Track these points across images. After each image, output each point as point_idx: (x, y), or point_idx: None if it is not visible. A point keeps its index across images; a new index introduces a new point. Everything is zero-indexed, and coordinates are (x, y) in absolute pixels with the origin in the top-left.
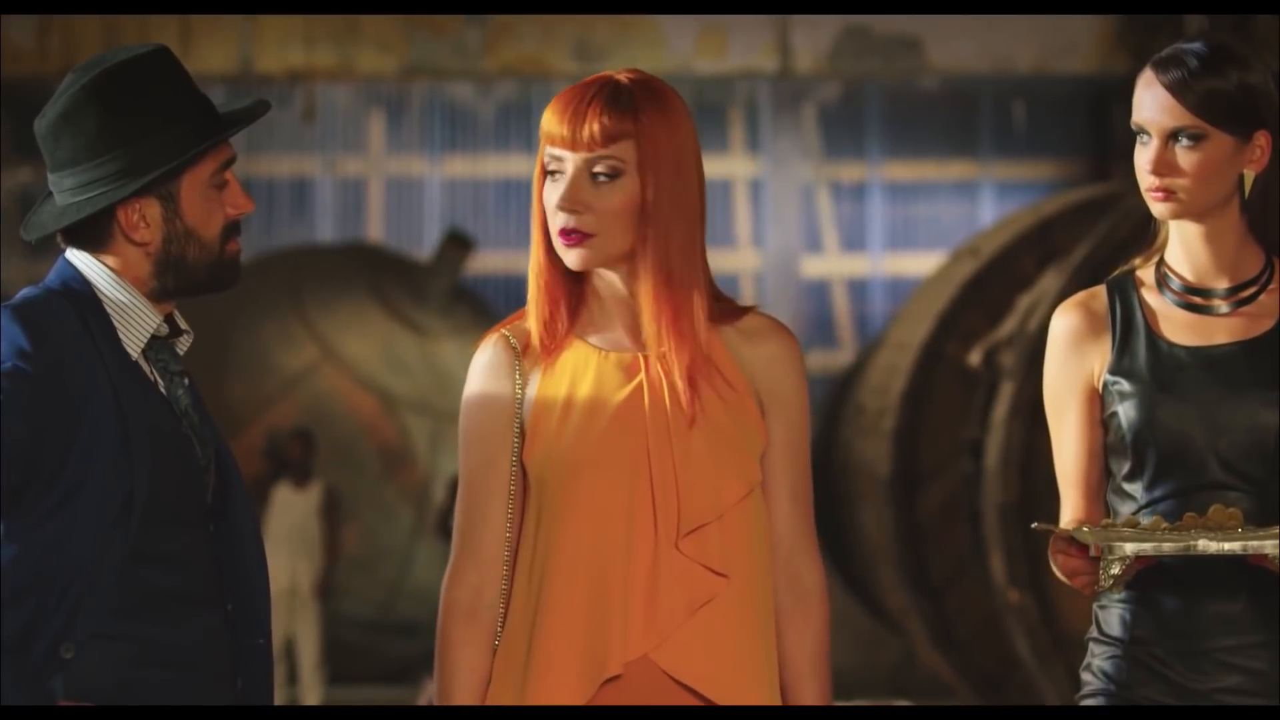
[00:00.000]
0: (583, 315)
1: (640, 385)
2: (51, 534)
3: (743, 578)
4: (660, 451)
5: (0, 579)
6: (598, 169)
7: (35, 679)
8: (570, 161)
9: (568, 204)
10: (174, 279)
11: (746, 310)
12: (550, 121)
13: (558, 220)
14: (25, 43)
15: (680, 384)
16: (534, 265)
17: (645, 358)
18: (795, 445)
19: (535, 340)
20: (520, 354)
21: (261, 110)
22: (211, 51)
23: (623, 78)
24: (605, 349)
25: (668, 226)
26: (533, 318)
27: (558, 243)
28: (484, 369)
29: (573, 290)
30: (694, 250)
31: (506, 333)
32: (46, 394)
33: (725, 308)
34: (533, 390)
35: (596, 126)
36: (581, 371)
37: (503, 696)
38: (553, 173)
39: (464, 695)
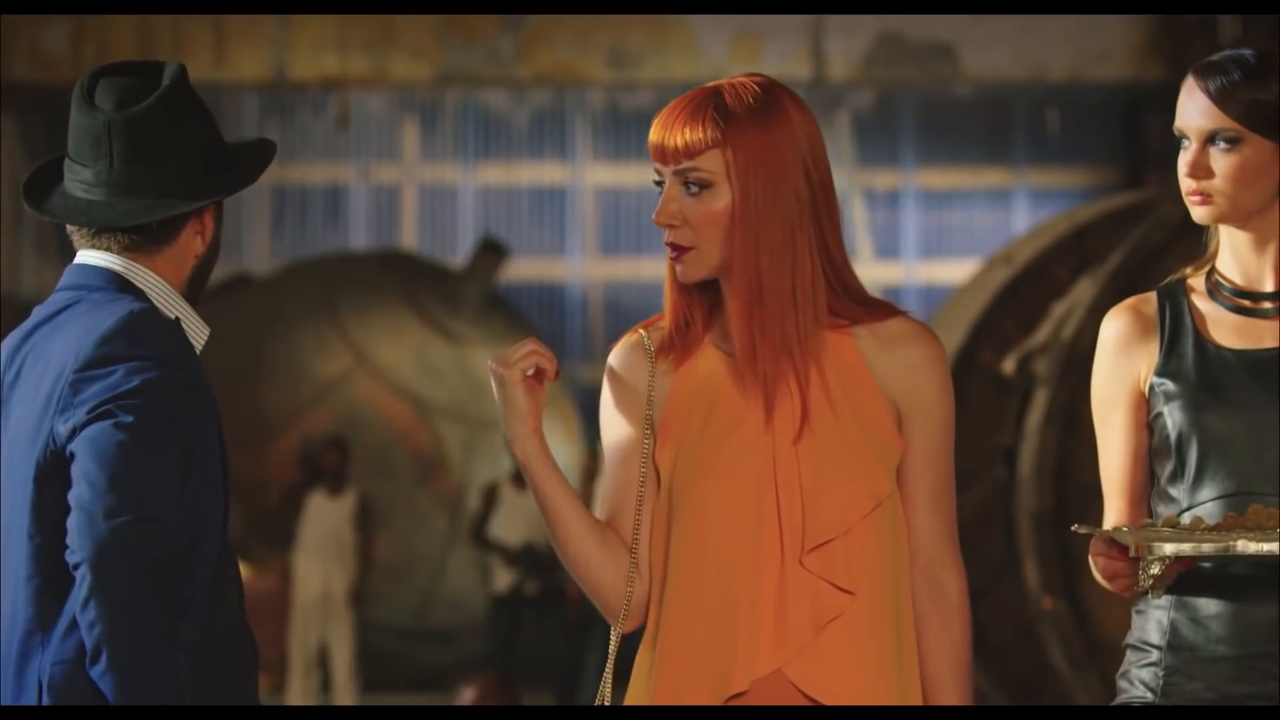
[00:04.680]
0: (720, 321)
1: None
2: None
3: (871, 593)
4: (786, 463)
5: (171, 570)
6: (689, 181)
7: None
8: (666, 175)
9: (660, 218)
10: (192, 290)
11: (892, 314)
12: (650, 135)
13: (663, 234)
14: (59, 50)
15: (759, 399)
16: (668, 272)
17: None
18: (936, 453)
19: (668, 344)
20: (654, 354)
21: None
22: (246, 59)
23: (727, 84)
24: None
25: (756, 236)
26: (667, 322)
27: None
28: (618, 367)
29: (708, 297)
30: (792, 259)
31: (643, 332)
32: (203, 402)
33: (868, 312)
34: (664, 391)
35: (680, 139)
36: (712, 377)
37: (635, 697)
38: (658, 183)
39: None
